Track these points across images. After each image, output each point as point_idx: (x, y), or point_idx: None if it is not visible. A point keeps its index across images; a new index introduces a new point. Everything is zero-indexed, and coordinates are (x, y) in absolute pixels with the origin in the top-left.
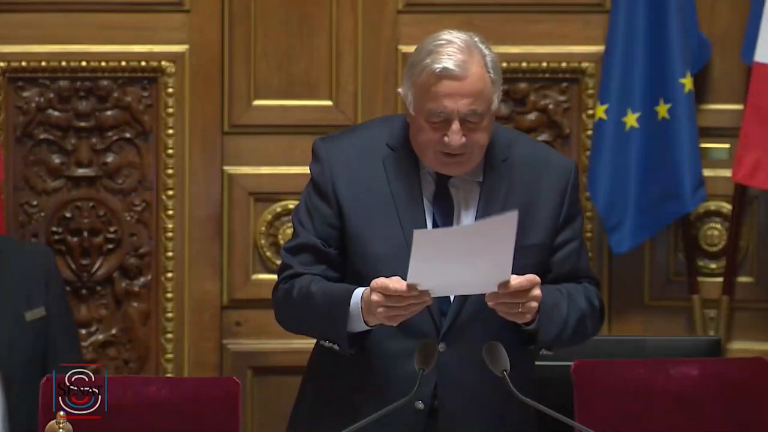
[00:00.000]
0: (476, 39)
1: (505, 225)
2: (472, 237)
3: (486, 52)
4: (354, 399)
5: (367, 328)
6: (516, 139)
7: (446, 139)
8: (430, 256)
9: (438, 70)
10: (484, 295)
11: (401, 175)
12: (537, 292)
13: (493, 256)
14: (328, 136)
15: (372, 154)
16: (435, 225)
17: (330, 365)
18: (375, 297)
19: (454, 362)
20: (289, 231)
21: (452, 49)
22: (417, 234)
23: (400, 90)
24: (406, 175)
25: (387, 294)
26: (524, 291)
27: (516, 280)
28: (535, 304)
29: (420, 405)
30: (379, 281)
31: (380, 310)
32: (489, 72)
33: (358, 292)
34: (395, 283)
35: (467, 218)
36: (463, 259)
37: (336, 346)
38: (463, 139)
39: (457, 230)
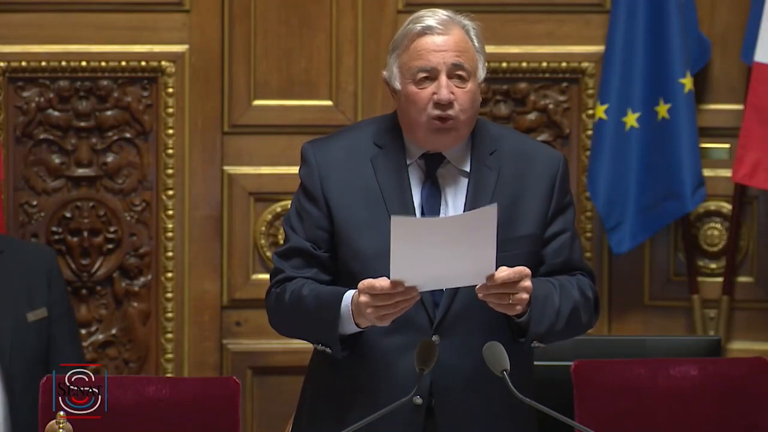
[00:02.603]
0: (458, 17)
1: (485, 218)
2: (451, 229)
3: (466, 22)
4: (351, 396)
5: (359, 330)
6: (504, 132)
7: (436, 96)
8: (410, 246)
9: (420, 28)
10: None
11: (390, 171)
12: (527, 283)
13: (475, 249)
14: (316, 139)
15: (360, 154)
16: (422, 215)
17: (327, 364)
18: (363, 298)
19: (449, 355)
20: None
21: (434, 14)
22: (395, 220)
23: (384, 73)
24: (395, 171)
25: (374, 293)
26: (513, 283)
27: (504, 271)
28: (525, 295)
29: (418, 400)
30: (366, 282)
31: (369, 310)
32: (472, 39)
33: (349, 294)
34: (381, 281)
35: (455, 209)
36: (445, 251)
37: (328, 350)
38: (452, 95)
39: (435, 221)
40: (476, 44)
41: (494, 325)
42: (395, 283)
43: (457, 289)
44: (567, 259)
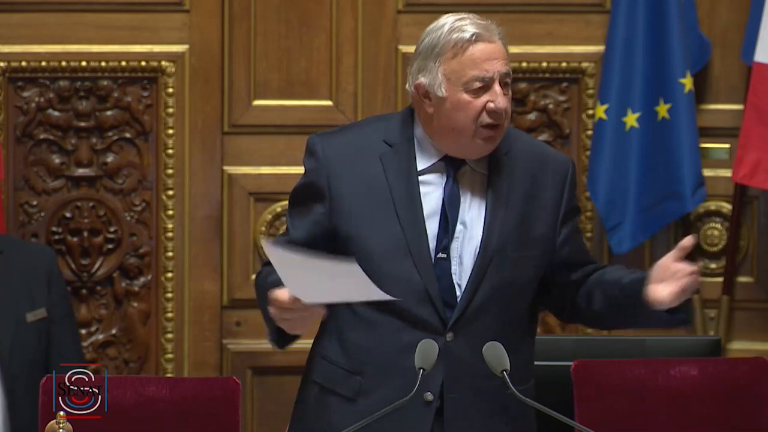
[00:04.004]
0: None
1: (350, 268)
2: (319, 268)
3: (495, 26)
4: (360, 391)
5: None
6: (514, 133)
7: (491, 104)
8: (292, 268)
9: (471, 36)
10: (493, 285)
11: (399, 170)
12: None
13: (350, 278)
14: (323, 132)
15: (369, 150)
16: (443, 215)
17: (335, 357)
18: (271, 309)
19: (463, 352)
20: None
21: (471, 20)
22: (266, 246)
23: (423, 79)
24: (405, 171)
25: (277, 306)
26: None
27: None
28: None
29: (429, 396)
30: (272, 293)
31: (278, 320)
32: (505, 44)
33: None
34: (282, 294)
35: (475, 209)
36: (323, 276)
37: (273, 343)
38: (507, 103)
39: (303, 259)
40: (506, 49)
41: (507, 324)
42: (292, 299)
43: (477, 288)
44: (585, 257)
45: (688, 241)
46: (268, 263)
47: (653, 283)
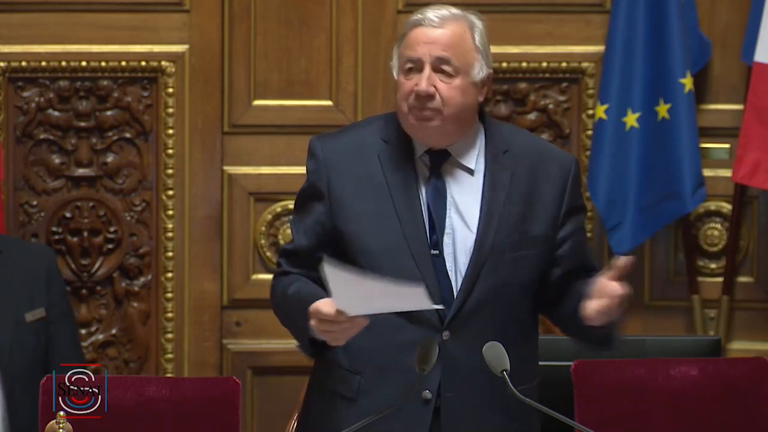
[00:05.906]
0: (469, 13)
1: (415, 295)
2: (382, 289)
3: (476, 21)
4: (360, 390)
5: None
6: (517, 131)
7: (416, 87)
8: (347, 284)
9: (417, 19)
10: (489, 285)
11: (396, 165)
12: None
13: (406, 294)
14: (324, 133)
15: (368, 150)
16: (429, 211)
17: (337, 358)
18: (312, 321)
19: (459, 351)
20: (289, 231)
21: (436, 9)
22: (328, 269)
23: (391, 63)
24: (402, 166)
25: (320, 318)
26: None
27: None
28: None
29: (427, 395)
30: (313, 306)
31: (318, 332)
32: (474, 38)
33: None
34: (327, 307)
35: (468, 206)
36: (379, 291)
37: (302, 351)
38: (431, 88)
39: (368, 282)
40: (477, 43)
41: (505, 323)
42: (338, 312)
43: (472, 287)
44: (582, 260)
45: (623, 261)
46: (280, 274)
47: (589, 298)
